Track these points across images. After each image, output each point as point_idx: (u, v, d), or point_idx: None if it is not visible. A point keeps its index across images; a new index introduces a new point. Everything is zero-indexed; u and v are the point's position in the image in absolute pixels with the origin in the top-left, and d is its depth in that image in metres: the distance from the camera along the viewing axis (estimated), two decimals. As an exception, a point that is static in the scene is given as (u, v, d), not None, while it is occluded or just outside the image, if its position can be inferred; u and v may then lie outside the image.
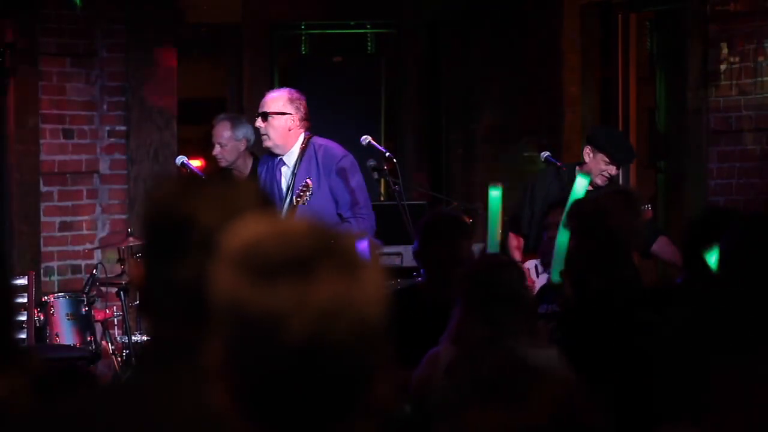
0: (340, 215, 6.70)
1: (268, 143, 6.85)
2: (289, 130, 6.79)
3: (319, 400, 1.56)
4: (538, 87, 9.34)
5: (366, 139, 6.75)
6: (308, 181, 6.58)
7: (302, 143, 6.81)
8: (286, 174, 6.84)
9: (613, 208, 4.43)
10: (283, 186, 6.83)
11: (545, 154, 7.32)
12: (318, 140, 6.80)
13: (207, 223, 1.90)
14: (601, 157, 7.02)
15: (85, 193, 8.68)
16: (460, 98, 9.75)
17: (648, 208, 7.06)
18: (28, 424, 1.90)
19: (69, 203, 8.61)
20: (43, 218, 8.48)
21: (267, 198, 2.01)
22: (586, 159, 7.07)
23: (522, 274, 4.46)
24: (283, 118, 6.79)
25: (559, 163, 7.28)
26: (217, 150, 7.75)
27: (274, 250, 1.58)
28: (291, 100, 6.83)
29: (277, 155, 6.86)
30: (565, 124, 9.17)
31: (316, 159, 6.75)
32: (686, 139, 8.32)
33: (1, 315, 2.31)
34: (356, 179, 6.70)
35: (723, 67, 7.98)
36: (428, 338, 4.35)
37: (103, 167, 8.73)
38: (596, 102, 9.16)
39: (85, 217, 8.69)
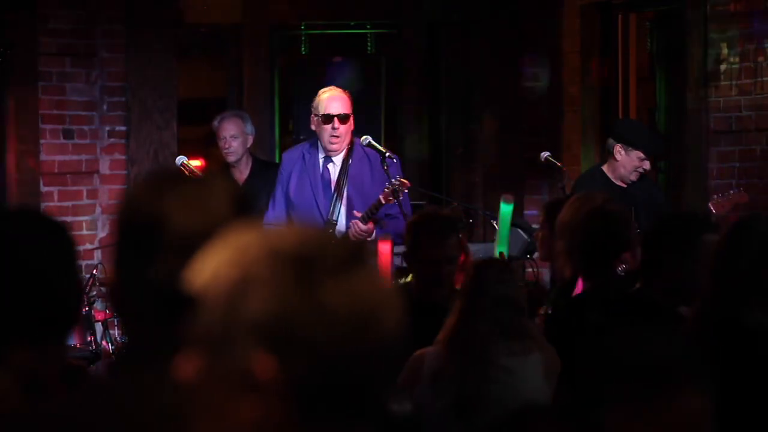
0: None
1: (339, 145, 6.84)
2: (352, 131, 6.86)
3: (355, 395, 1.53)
4: (538, 87, 9.33)
5: (366, 139, 6.75)
6: (404, 180, 6.50)
7: (348, 142, 6.85)
8: (333, 171, 6.86)
9: (598, 211, 4.43)
10: (332, 182, 6.84)
11: (545, 154, 7.28)
12: (359, 140, 6.83)
13: (178, 223, 1.88)
14: (636, 154, 6.90)
15: (85, 193, 8.67)
16: (460, 98, 9.75)
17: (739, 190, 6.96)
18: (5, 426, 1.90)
19: (69, 203, 8.60)
20: (43, 218, 8.46)
21: (242, 200, 1.97)
22: (618, 157, 6.91)
23: (516, 278, 4.46)
24: (351, 119, 6.87)
25: (559, 164, 7.25)
26: (228, 143, 7.75)
27: (317, 253, 1.54)
28: (351, 101, 6.88)
29: (325, 154, 6.87)
30: (565, 124, 9.17)
31: (368, 158, 6.78)
32: (686, 139, 8.31)
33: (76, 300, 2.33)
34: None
35: (723, 67, 7.97)
36: (417, 339, 4.24)
37: (103, 167, 8.72)
38: (596, 102, 9.15)
39: (85, 218, 8.68)
